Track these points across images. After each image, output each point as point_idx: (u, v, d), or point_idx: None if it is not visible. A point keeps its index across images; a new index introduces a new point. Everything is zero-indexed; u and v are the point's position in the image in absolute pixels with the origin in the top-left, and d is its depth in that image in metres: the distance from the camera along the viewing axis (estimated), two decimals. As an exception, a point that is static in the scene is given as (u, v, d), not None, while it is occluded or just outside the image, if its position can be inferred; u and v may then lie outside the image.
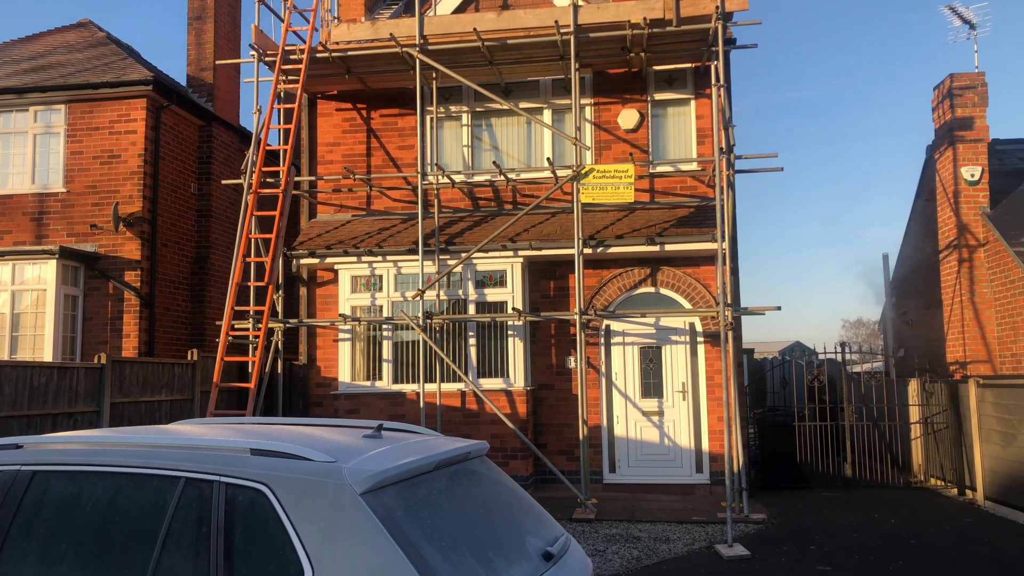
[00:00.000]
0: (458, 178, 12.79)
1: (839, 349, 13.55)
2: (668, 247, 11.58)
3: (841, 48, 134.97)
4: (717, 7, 10.99)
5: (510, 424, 11.17)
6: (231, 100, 16.64)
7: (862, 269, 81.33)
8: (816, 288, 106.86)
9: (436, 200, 12.35)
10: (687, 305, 12.12)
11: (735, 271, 11.84)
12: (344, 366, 12.31)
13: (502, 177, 12.39)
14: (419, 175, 11.86)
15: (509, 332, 11.95)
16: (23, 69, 14.84)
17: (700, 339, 12.11)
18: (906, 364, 14.97)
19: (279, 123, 12.64)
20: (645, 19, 11.11)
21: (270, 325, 11.93)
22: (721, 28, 11.08)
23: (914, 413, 13.23)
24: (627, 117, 12.70)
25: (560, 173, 11.92)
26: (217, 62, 15.62)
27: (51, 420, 9.20)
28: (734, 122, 11.46)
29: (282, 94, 12.76)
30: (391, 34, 11.70)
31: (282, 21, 12.50)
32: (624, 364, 12.26)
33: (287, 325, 12.47)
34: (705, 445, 11.92)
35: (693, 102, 12.72)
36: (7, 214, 13.88)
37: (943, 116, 14.59)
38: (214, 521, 3.16)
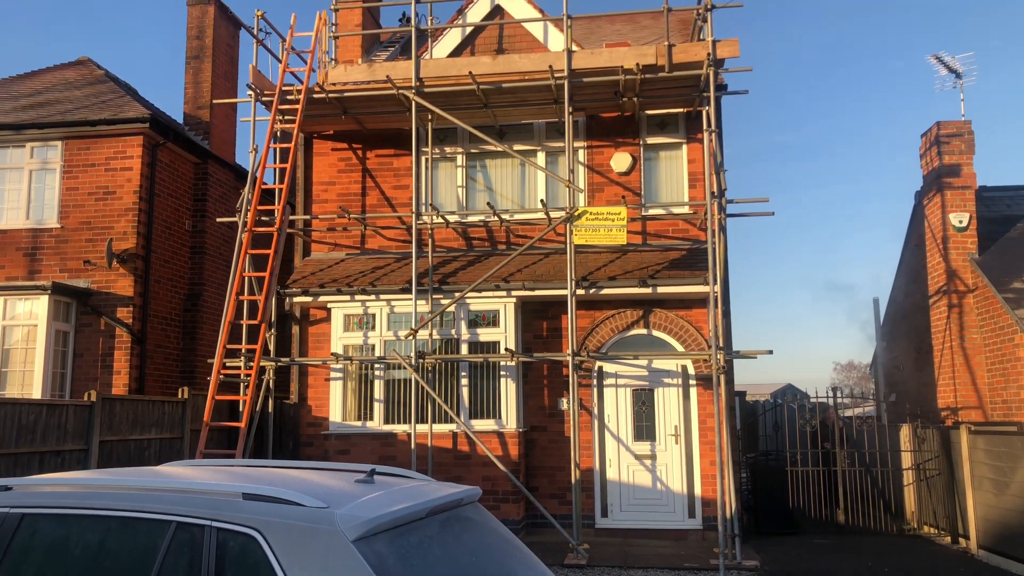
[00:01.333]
0: (452, 218, 12.87)
1: (831, 393, 13.56)
2: (660, 289, 11.63)
3: (830, 93, 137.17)
4: (709, 54, 11.19)
5: (502, 467, 11.10)
6: (227, 138, 16.75)
7: (853, 312, 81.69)
8: (807, 330, 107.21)
9: (430, 240, 12.41)
10: (679, 347, 12.14)
11: (727, 314, 11.88)
12: (335, 405, 12.25)
13: (496, 218, 12.47)
14: (413, 215, 11.92)
15: (502, 372, 11.93)
16: (22, 106, 14.94)
17: (692, 382, 12.11)
18: (898, 409, 14.96)
19: (275, 162, 12.71)
20: (638, 65, 11.30)
21: (262, 363, 11.88)
22: (713, 74, 11.27)
23: (906, 459, 13.20)
24: (620, 160, 12.84)
25: (553, 214, 12.01)
26: (214, 101, 15.76)
27: (39, 458, 9.09)
28: (725, 166, 11.60)
29: (279, 133, 12.86)
30: (387, 76, 11.85)
31: (280, 62, 12.65)
32: (617, 406, 12.24)
33: (279, 363, 12.42)
34: (698, 490, 11.85)
35: (685, 146, 12.88)
36: (0, 249, 13.86)
37: (931, 163, 14.79)
38: (205, 566, 3.14)
